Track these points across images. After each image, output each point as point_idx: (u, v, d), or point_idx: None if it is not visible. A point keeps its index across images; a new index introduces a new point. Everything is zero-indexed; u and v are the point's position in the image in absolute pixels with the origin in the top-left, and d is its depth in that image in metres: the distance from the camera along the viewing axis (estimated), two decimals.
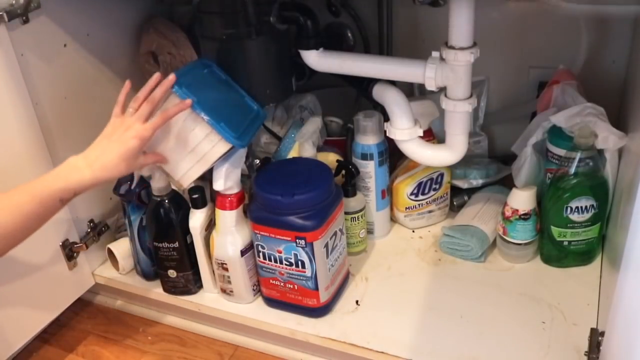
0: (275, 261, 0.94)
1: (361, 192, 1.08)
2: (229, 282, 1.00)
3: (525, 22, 1.17)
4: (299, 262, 0.92)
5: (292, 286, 0.95)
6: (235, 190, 0.94)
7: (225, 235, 0.96)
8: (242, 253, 0.97)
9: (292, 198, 0.89)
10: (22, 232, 0.81)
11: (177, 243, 0.99)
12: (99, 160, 0.81)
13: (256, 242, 0.95)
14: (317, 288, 0.94)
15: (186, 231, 0.99)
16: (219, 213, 0.95)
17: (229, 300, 1.03)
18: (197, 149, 0.89)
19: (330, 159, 1.10)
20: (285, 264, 0.93)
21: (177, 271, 1.03)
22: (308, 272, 0.93)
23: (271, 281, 0.97)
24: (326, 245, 0.92)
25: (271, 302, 1.00)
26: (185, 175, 0.91)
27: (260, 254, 0.95)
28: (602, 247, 1.03)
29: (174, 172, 0.92)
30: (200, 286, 1.06)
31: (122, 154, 0.81)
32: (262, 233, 0.92)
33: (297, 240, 0.90)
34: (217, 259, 0.99)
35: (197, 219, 0.98)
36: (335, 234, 0.95)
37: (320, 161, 1.01)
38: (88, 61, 1.08)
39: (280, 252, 0.93)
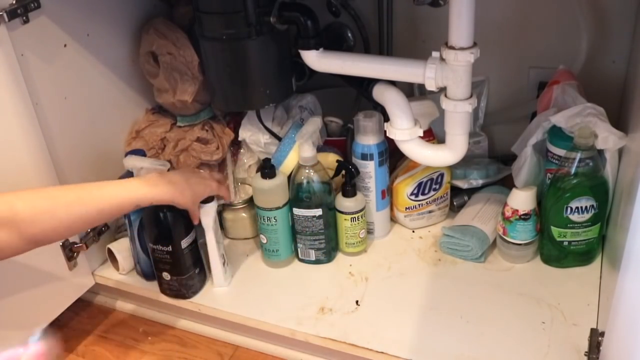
0: None
1: (361, 192, 1.08)
2: None
3: (525, 22, 1.17)
4: None
5: None
6: None
7: None
8: None
9: None
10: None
11: (170, 247, 0.99)
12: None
13: None
14: None
15: (181, 236, 0.99)
16: None
17: None
18: None
19: (330, 159, 1.10)
20: None
21: (171, 275, 1.03)
22: None
23: None
24: None
25: None
26: None
27: None
28: (602, 247, 1.03)
29: None
30: (195, 292, 1.05)
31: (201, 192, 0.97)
32: None
33: None
34: None
35: (208, 214, 1.00)
36: None
37: None
38: (88, 61, 1.08)
39: None
